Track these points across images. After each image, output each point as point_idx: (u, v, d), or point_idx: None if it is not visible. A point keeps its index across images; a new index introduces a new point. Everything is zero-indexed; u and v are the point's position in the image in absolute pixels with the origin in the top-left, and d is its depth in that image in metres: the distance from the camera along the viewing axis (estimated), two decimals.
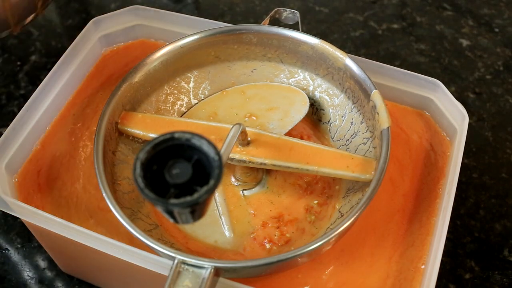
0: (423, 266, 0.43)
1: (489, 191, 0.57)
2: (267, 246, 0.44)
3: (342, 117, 0.49)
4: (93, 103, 0.52)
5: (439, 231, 0.42)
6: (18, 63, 0.68)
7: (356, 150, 0.47)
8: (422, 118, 0.51)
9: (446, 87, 0.49)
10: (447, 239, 0.53)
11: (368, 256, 0.44)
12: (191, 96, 0.51)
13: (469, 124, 0.46)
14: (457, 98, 0.48)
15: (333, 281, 0.43)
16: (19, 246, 0.54)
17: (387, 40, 0.71)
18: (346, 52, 0.47)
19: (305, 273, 0.43)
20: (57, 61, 0.51)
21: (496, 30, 0.72)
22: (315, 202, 0.46)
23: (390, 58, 0.69)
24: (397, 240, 0.45)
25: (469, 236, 0.54)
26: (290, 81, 0.51)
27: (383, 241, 0.44)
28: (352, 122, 0.48)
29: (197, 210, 0.30)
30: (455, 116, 0.48)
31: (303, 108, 0.49)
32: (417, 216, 0.46)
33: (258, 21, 0.72)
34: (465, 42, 0.70)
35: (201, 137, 0.29)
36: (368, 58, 0.50)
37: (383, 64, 0.50)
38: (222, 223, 0.45)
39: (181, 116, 0.51)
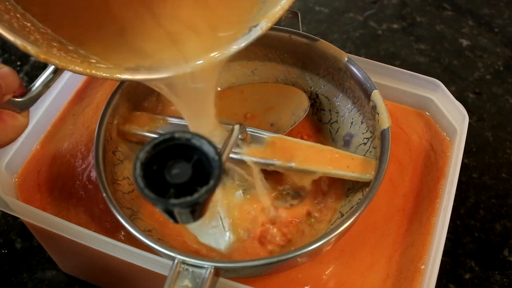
0: (423, 266, 0.43)
1: (489, 191, 0.57)
2: (269, 247, 0.44)
3: (342, 117, 0.49)
4: (93, 103, 0.52)
5: (439, 231, 0.42)
6: (18, 63, 0.68)
7: (356, 150, 0.47)
8: (422, 118, 0.51)
9: (446, 87, 0.49)
10: (447, 239, 0.53)
11: (368, 256, 0.44)
12: None
13: (469, 124, 0.46)
14: (457, 98, 0.48)
15: (333, 281, 0.43)
16: (19, 246, 0.54)
17: (387, 40, 0.71)
18: (346, 52, 0.47)
19: (305, 273, 0.43)
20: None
21: (496, 30, 0.72)
22: (315, 202, 0.46)
23: (390, 58, 0.69)
24: (397, 240, 0.45)
25: (469, 236, 0.54)
26: (290, 81, 0.51)
27: (383, 241, 0.44)
28: (352, 122, 0.48)
29: (197, 210, 0.30)
30: (455, 116, 0.48)
31: (303, 108, 0.48)
32: (417, 216, 0.46)
33: None
34: (465, 42, 0.70)
35: (201, 137, 0.29)
36: (368, 58, 0.50)
37: (383, 64, 0.50)
38: (222, 223, 0.45)
39: (181, 116, 0.50)
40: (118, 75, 0.36)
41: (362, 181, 0.43)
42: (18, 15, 0.34)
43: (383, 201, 0.46)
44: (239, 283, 0.38)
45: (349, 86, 0.47)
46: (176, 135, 0.29)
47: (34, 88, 0.36)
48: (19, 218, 0.44)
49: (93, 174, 0.47)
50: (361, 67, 0.46)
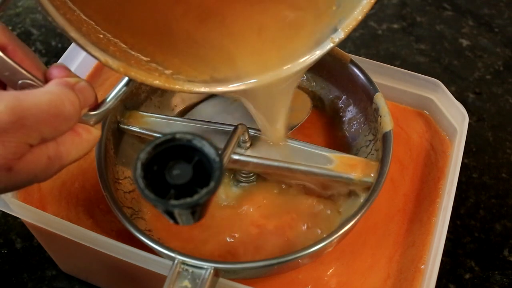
0: (423, 266, 0.43)
1: (489, 191, 0.57)
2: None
3: (344, 119, 0.49)
4: None
5: (439, 231, 0.42)
6: None
7: (358, 152, 0.47)
8: (422, 118, 0.51)
9: (446, 87, 0.49)
10: (447, 239, 0.53)
11: (369, 256, 0.44)
12: (194, 96, 0.51)
13: (469, 124, 0.46)
14: (457, 98, 0.48)
15: (334, 282, 0.43)
16: (19, 246, 0.54)
17: (387, 40, 0.71)
18: (346, 52, 0.47)
19: (306, 274, 0.43)
20: (57, 61, 0.51)
21: (496, 30, 0.72)
22: (317, 203, 0.46)
23: (390, 58, 0.68)
24: (397, 240, 0.44)
25: (469, 236, 0.54)
26: None
27: (384, 241, 0.44)
28: (355, 124, 0.48)
29: (197, 211, 0.30)
30: (455, 116, 0.48)
31: (306, 110, 0.48)
32: (417, 215, 0.46)
33: None
34: (465, 42, 0.70)
35: (202, 138, 0.29)
36: (368, 58, 0.50)
37: (383, 64, 0.50)
38: None
39: (183, 116, 0.50)
40: (197, 88, 0.36)
41: (364, 183, 0.43)
42: (90, 27, 0.34)
43: (384, 201, 0.46)
44: (239, 284, 0.38)
45: (352, 88, 0.47)
46: (177, 136, 0.29)
47: (107, 100, 0.35)
48: (19, 218, 0.44)
49: (93, 174, 0.47)
50: (363, 69, 0.46)
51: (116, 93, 0.35)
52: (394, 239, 0.45)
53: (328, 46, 0.38)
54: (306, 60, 0.39)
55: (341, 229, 0.38)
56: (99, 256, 0.41)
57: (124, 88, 0.36)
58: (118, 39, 0.35)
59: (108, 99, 0.35)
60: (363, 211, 0.39)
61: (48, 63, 0.68)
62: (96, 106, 0.35)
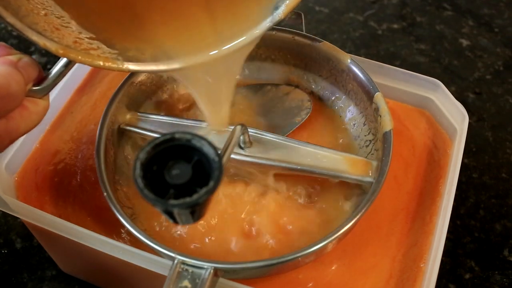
0: (422, 265, 0.43)
1: (489, 191, 0.57)
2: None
3: (344, 119, 0.49)
4: (91, 100, 0.52)
5: (439, 231, 0.42)
6: None
7: (358, 152, 0.47)
8: (423, 116, 0.51)
9: (446, 87, 0.49)
10: (447, 239, 0.53)
11: (371, 255, 0.44)
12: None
13: (469, 124, 0.46)
14: (457, 98, 0.48)
15: (335, 282, 0.42)
16: (19, 246, 0.54)
17: (387, 40, 0.71)
18: (346, 52, 0.47)
19: (307, 273, 0.43)
20: (57, 61, 0.50)
21: (496, 30, 0.72)
22: (317, 202, 0.46)
23: (390, 58, 0.68)
24: (401, 240, 0.44)
25: (469, 236, 0.54)
26: (293, 82, 0.51)
27: (387, 241, 0.44)
28: (355, 124, 0.48)
29: (197, 211, 0.30)
30: (455, 116, 0.48)
31: (306, 110, 0.48)
32: (420, 214, 0.45)
33: None
34: (465, 42, 0.70)
35: (201, 138, 0.29)
36: (368, 58, 0.50)
37: (384, 64, 0.50)
38: None
39: (183, 116, 0.50)
40: (134, 67, 0.37)
41: (364, 183, 0.43)
42: (34, 2, 0.34)
43: (388, 200, 0.46)
44: (239, 284, 0.38)
45: (352, 88, 0.47)
46: (177, 135, 0.29)
47: (49, 77, 0.36)
48: (19, 218, 0.44)
49: (90, 172, 0.47)
50: (363, 69, 0.46)
51: (56, 72, 0.37)
52: (397, 238, 0.44)
53: (267, 25, 0.38)
54: (245, 39, 0.38)
55: (340, 229, 0.38)
56: (99, 256, 0.41)
57: (63, 69, 0.37)
58: (67, 12, 0.35)
59: (50, 77, 0.36)
60: (363, 211, 0.39)
61: (48, 63, 0.68)
62: (41, 79, 0.36)
